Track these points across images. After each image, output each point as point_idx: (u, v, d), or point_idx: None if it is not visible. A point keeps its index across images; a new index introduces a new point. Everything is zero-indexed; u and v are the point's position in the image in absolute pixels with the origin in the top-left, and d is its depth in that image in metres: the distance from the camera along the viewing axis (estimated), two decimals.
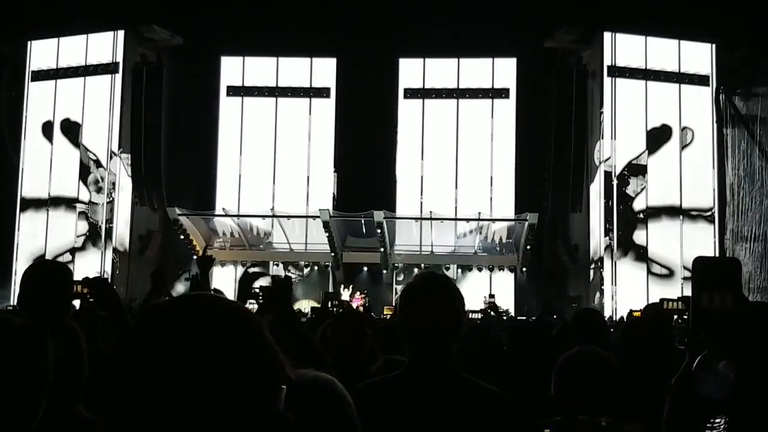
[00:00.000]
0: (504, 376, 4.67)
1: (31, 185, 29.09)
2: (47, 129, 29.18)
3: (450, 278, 2.97)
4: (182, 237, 28.90)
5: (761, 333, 2.93)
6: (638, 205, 27.12)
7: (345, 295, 24.61)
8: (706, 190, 26.91)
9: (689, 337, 3.12)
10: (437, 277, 2.95)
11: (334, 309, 11.12)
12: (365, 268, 29.82)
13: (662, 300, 8.78)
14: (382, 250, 28.70)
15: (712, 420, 3.01)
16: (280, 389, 1.31)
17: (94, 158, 28.67)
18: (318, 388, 1.74)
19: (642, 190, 27.11)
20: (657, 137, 27.41)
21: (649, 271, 26.61)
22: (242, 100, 31.11)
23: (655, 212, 27.02)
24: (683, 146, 27.33)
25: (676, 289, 24.67)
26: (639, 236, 27.02)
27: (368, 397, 2.60)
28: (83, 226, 28.46)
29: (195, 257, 26.14)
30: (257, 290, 4.55)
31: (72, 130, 29.00)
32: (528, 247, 28.18)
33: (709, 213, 26.75)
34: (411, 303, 2.81)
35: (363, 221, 28.78)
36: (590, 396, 3.06)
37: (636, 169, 27.32)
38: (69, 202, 28.76)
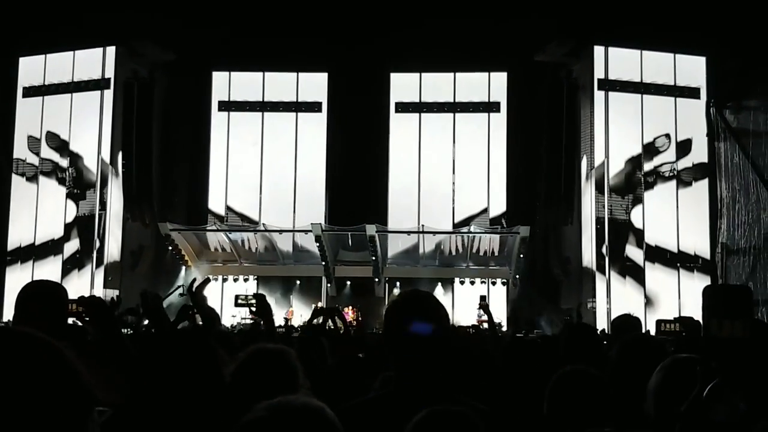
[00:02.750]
0: (498, 392, 4.66)
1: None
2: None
3: (433, 295, 2.98)
4: (174, 252, 28.86)
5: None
6: (634, 221, 27.14)
7: (350, 314, 23.97)
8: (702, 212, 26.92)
9: (701, 365, 3.10)
10: (420, 294, 2.96)
11: (328, 326, 11.02)
12: (357, 282, 29.78)
13: (659, 321, 8.72)
14: (374, 263, 28.69)
15: None
16: (84, 411, 1.38)
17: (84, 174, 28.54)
18: (308, 415, 1.73)
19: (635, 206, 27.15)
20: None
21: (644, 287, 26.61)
22: (233, 115, 31.09)
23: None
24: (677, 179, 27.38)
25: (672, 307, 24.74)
26: (632, 252, 27.03)
27: (356, 417, 2.60)
28: (73, 246, 28.26)
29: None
30: (252, 300, 4.87)
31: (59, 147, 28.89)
32: (520, 259, 28.19)
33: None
34: (394, 321, 2.82)
35: (355, 235, 28.76)
36: (582, 417, 3.05)
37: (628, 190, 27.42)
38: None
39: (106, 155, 28.30)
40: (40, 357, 1.36)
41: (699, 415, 2.96)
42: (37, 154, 28.82)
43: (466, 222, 29.67)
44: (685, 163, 27.39)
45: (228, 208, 30.65)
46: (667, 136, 27.41)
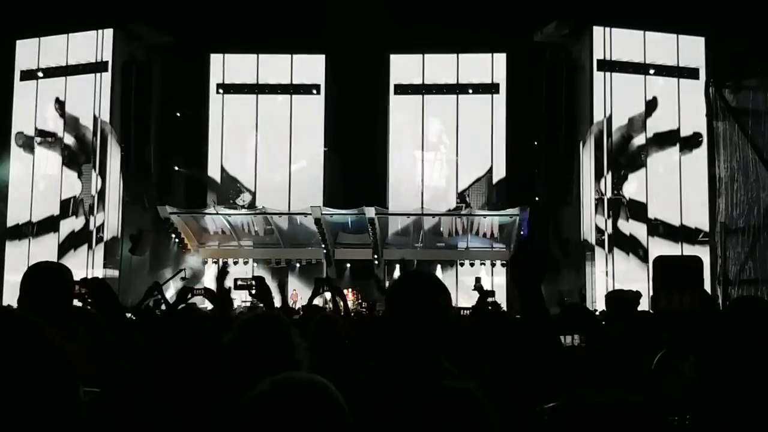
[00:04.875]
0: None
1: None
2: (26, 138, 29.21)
3: (434, 276, 2.99)
4: (174, 235, 28.87)
5: (722, 332, 2.92)
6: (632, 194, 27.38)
7: (350, 296, 23.76)
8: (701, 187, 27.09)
9: (650, 336, 3.11)
10: (421, 275, 2.98)
11: (328, 306, 11.04)
12: (357, 265, 29.81)
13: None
14: (374, 246, 28.71)
15: (669, 419, 3.02)
16: (70, 385, 1.38)
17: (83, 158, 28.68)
18: (311, 390, 1.75)
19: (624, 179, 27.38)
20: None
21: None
22: (232, 98, 31.08)
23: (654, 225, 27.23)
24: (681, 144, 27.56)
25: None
26: (634, 230, 27.20)
27: (357, 393, 2.62)
28: (71, 224, 28.41)
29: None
30: (252, 281, 4.92)
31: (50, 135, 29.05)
32: (519, 241, 28.21)
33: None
34: (394, 302, 2.84)
35: (355, 217, 28.76)
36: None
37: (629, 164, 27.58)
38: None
39: (104, 137, 28.37)
40: (23, 333, 1.36)
41: (649, 386, 2.98)
42: (38, 129, 29.01)
43: (466, 200, 29.70)
44: (684, 130, 27.63)
45: (228, 191, 30.66)
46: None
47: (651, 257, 26.32)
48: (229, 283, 7.60)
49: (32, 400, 1.31)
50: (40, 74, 28.92)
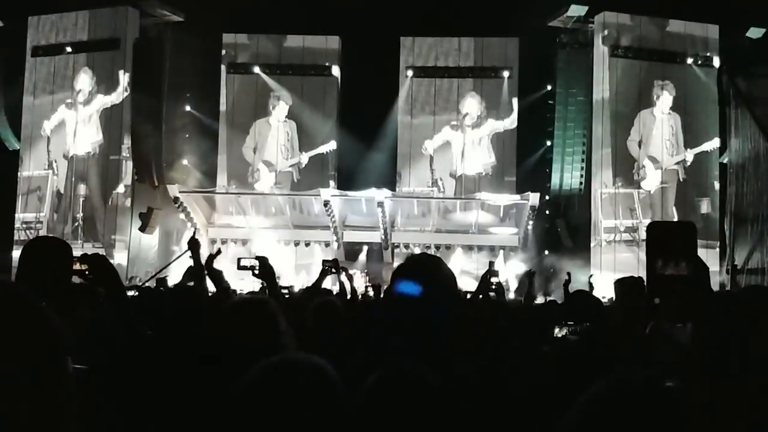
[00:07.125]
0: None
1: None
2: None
3: (439, 259, 2.96)
4: (183, 215, 28.87)
5: (726, 308, 2.89)
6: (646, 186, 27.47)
7: (359, 279, 23.44)
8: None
9: (645, 303, 3.09)
10: (425, 257, 2.95)
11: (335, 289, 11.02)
12: (366, 247, 29.76)
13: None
14: (383, 229, 28.65)
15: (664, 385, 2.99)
16: (55, 357, 1.36)
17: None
18: (307, 371, 1.75)
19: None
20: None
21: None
22: (243, 78, 31.09)
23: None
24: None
25: None
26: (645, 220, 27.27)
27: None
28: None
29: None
30: (254, 262, 4.93)
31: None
32: (529, 227, 28.16)
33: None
34: (391, 282, 2.84)
35: (363, 200, 28.69)
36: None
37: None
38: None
39: (115, 115, 28.55)
40: (7, 303, 1.35)
41: (643, 352, 2.95)
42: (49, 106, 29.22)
43: (476, 185, 29.66)
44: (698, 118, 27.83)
45: (238, 171, 30.69)
46: (667, 85, 27.62)
47: None
48: (232, 263, 7.61)
49: (15, 372, 1.29)
50: (52, 51, 29.02)
